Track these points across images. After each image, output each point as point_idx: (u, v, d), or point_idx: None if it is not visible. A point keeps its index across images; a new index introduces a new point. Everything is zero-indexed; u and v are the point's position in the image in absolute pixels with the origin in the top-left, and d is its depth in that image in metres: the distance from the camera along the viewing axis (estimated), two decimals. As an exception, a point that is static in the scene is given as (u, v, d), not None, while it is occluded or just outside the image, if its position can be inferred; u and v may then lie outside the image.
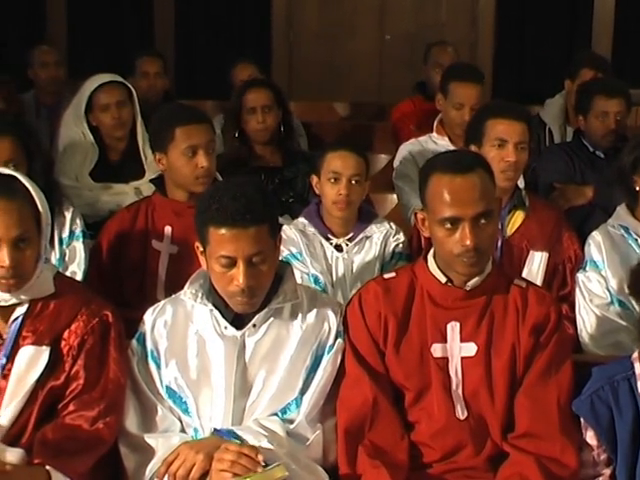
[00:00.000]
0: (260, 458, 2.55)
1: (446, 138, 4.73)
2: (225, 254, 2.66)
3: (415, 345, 2.80)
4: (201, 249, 2.78)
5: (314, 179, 3.68)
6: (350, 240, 3.64)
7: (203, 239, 2.73)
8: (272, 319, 2.80)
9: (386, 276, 2.93)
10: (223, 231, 2.65)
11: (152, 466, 2.74)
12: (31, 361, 2.72)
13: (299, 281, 3.15)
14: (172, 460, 2.66)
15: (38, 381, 2.71)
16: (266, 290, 2.77)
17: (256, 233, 2.67)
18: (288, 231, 3.65)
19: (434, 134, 4.79)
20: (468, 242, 2.67)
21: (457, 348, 2.78)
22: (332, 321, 2.85)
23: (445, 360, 2.79)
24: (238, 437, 2.67)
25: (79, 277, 3.62)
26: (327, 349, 2.83)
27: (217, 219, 2.66)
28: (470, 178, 2.71)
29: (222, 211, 2.66)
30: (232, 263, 2.67)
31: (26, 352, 2.73)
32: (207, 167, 3.53)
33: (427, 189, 2.78)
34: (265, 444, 2.64)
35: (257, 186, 2.87)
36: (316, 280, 3.56)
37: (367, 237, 3.66)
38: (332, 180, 3.58)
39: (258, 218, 2.68)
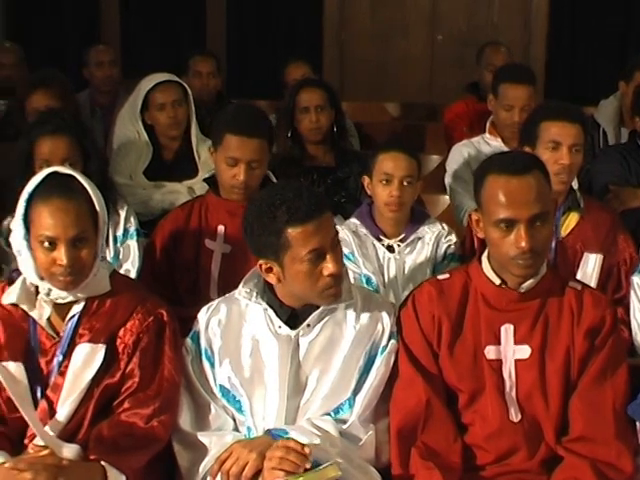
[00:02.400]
0: (307, 451, 2.55)
1: (499, 139, 4.70)
2: (313, 248, 2.66)
3: (469, 347, 2.79)
4: (268, 265, 2.75)
5: (366, 180, 3.67)
6: (402, 241, 3.63)
7: (278, 248, 2.68)
8: (326, 319, 2.81)
9: (440, 277, 2.92)
10: (303, 228, 2.65)
11: (205, 464, 2.76)
12: (87, 359, 2.75)
13: (351, 282, 3.14)
14: (225, 458, 2.68)
15: (94, 379, 2.74)
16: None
17: (329, 218, 2.72)
18: (340, 232, 3.60)
19: (487, 135, 4.76)
20: (523, 244, 2.65)
21: (511, 351, 2.77)
22: (386, 322, 2.85)
23: (499, 362, 2.77)
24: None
25: (132, 275, 3.66)
26: (380, 350, 2.83)
27: (294, 219, 2.65)
28: (526, 179, 2.69)
29: (295, 210, 2.65)
30: (321, 255, 2.68)
31: (82, 350, 2.76)
32: (243, 181, 3.52)
33: (482, 190, 2.76)
34: (318, 443, 2.65)
35: (301, 183, 2.92)
36: (368, 281, 3.56)
37: (419, 238, 3.64)
38: (384, 181, 3.57)
39: (325, 205, 2.73)
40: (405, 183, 3.56)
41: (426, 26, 8.46)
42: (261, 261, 2.77)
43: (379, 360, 2.81)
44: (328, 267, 2.68)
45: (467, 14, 8.38)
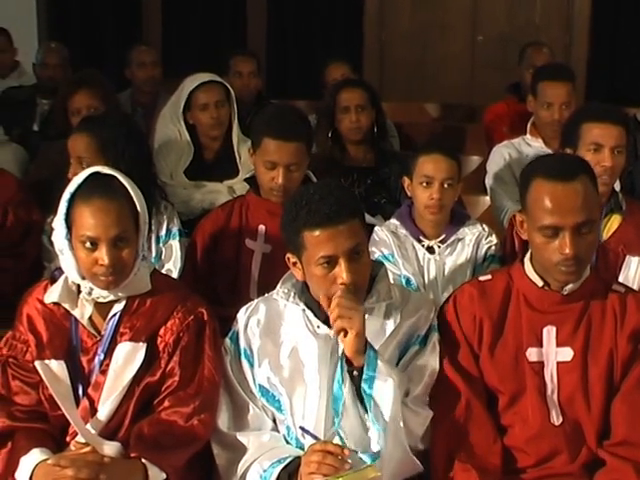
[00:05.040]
0: (347, 453, 2.55)
1: (540, 140, 4.68)
2: (325, 254, 2.64)
3: (510, 348, 2.78)
4: (294, 260, 2.77)
5: (406, 181, 3.66)
6: (442, 242, 3.62)
7: (297, 247, 2.71)
8: (365, 318, 2.79)
9: (481, 278, 2.91)
10: (318, 232, 2.65)
11: (243, 463, 2.77)
12: (128, 357, 2.76)
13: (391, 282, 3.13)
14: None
15: (135, 377, 2.76)
16: (366, 285, 2.76)
17: (350, 227, 2.67)
18: (380, 232, 3.64)
19: (527, 136, 4.74)
20: (567, 251, 2.63)
21: (553, 353, 2.75)
22: (425, 314, 2.84)
23: (540, 364, 2.76)
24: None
25: (174, 275, 3.65)
26: (420, 338, 2.82)
27: (310, 222, 2.66)
28: (573, 186, 2.66)
29: (314, 213, 2.65)
30: (333, 262, 2.66)
31: (123, 348, 2.77)
32: (282, 184, 3.51)
33: (528, 193, 2.74)
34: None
35: (338, 183, 2.89)
36: (408, 282, 3.54)
37: (459, 239, 3.62)
38: (424, 184, 3.56)
39: (350, 212, 2.68)
40: (446, 185, 3.55)
41: (467, 26, 8.44)
42: (288, 254, 2.79)
43: (415, 347, 2.80)
44: (341, 276, 2.65)
45: (508, 14, 8.34)
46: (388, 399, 2.62)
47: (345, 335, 2.63)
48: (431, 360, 2.80)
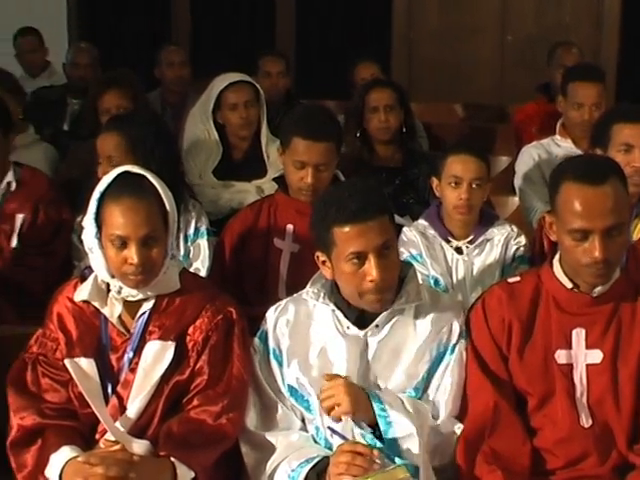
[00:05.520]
0: (376, 454, 2.56)
1: (569, 140, 4.66)
2: (354, 250, 2.65)
3: (539, 351, 2.76)
4: (323, 258, 2.78)
5: (434, 182, 3.65)
6: (471, 242, 3.61)
7: (327, 244, 2.72)
8: (395, 320, 2.79)
9: (510, 280, 2.90)
10: (348, 228, 2.66)
11: (271, 462, 2.77)
12: (157, 356, 2.77)
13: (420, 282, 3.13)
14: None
15: (164, 376, 2.76)
16: (396, 284, 2.76)
17: (380, 224, 2.68)
18: (408, 233, 3.64)
19: (557, 136, 4.73)
20: (597, 254, 2.61)
21: (582, 355, 2.73)
22: (455, 321, 2.84)
23: (570, 367, 2.74)
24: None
25: (202, 274, 3.66)
26: (450, 348, 2.82)
27: (340, 218, 2.67)
28: (603, 189, 2.62)
29: (343, 209, 2.67)
30: (363, 259, 2.66)
31: (152, 347, 2.78)
32: (311, 184, 3.52)
33: (557, 195, 2.71)
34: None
35: (367, 181, 2.91)
36: (436, 282, 3.54)
37: (488, 240, 3.61)
38: (453, 184, 3.55)
39: (379, 209, 2.70)
40: (474, 186, 3.54)
41: (496, 26, 8.42)
42: (318, 253, 2.79)
43: (449, 358, 2.81)
44: (370, 273, 2.66)
45: (538, 14, 8.31)
46: (415, 451, 2.65)
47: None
48: (459, 371, 2.81)
